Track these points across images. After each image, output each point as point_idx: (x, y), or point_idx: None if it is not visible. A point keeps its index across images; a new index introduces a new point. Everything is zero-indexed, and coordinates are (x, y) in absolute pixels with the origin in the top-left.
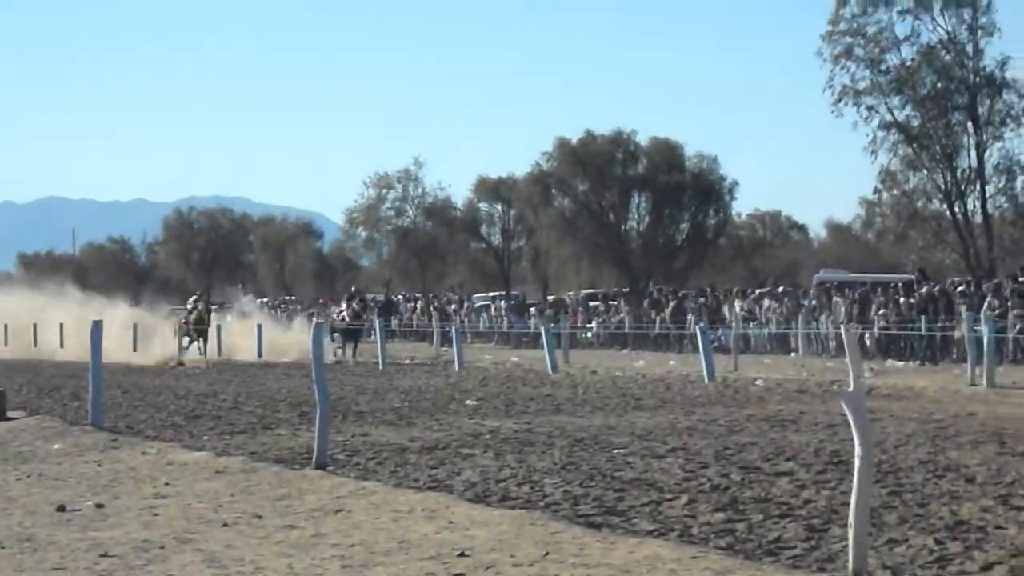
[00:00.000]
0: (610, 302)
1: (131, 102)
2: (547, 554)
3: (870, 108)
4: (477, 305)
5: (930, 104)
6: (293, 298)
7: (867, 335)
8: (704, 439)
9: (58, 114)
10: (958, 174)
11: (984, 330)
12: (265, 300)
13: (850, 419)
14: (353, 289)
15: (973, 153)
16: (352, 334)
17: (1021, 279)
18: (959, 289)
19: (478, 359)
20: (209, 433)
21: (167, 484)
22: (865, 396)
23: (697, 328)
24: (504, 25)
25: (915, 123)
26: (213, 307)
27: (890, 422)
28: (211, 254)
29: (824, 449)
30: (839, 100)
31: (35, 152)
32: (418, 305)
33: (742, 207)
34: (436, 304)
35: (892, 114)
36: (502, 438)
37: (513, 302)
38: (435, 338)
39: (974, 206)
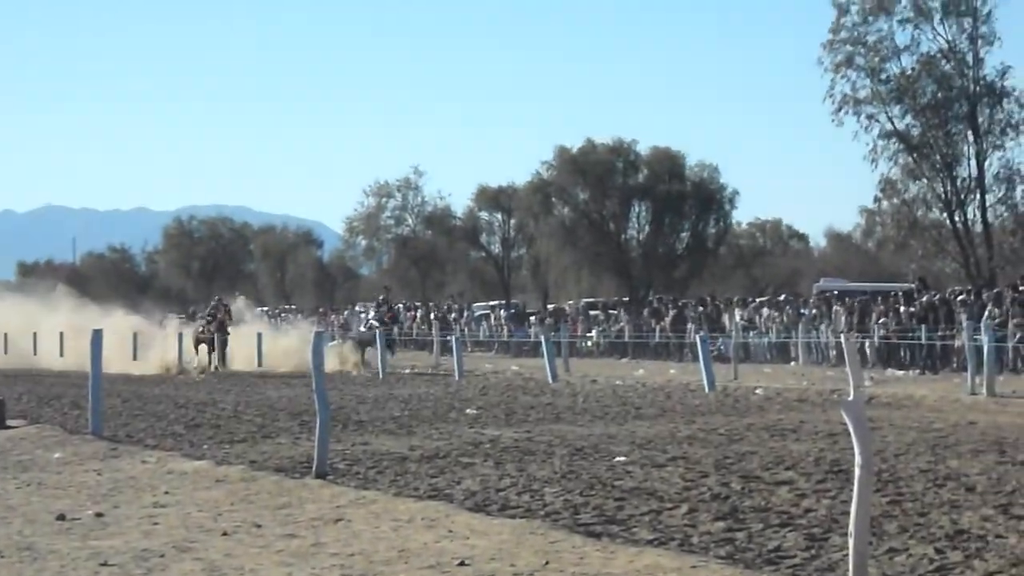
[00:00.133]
0: (610, 311)
1: (132, 111)
2: (547, 563)
3: (870, 117)
4: (477, 314)
5: (930, 113)
6: (293, 307)
7: (867, 344)
8: (704, 448)
9: (58, 122)
10: (958, 183)
11: (984, 339)
12: (265, 309)
13: (850, 428)
14: (381, 298)
15: (973, 162)
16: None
17: (1021, 288)
18: (960, 298)
19: (478, 368)
20: (209, 442)
21: (167, 493)
22: (865, 405)
23: (697, 337)
24: (504, 34)
25: (915, 132)
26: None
27: (890, 431)
28: (211, 263)
29: (824, 458)
30: (839, 109)
31: (35, 161)
32: (418, 314)
33: (742, 216)
34: (437, 313)
35: (892, 123)
36: (502, 447)
37: (513, 311)
38: (435, 347)
39: (974, 215)
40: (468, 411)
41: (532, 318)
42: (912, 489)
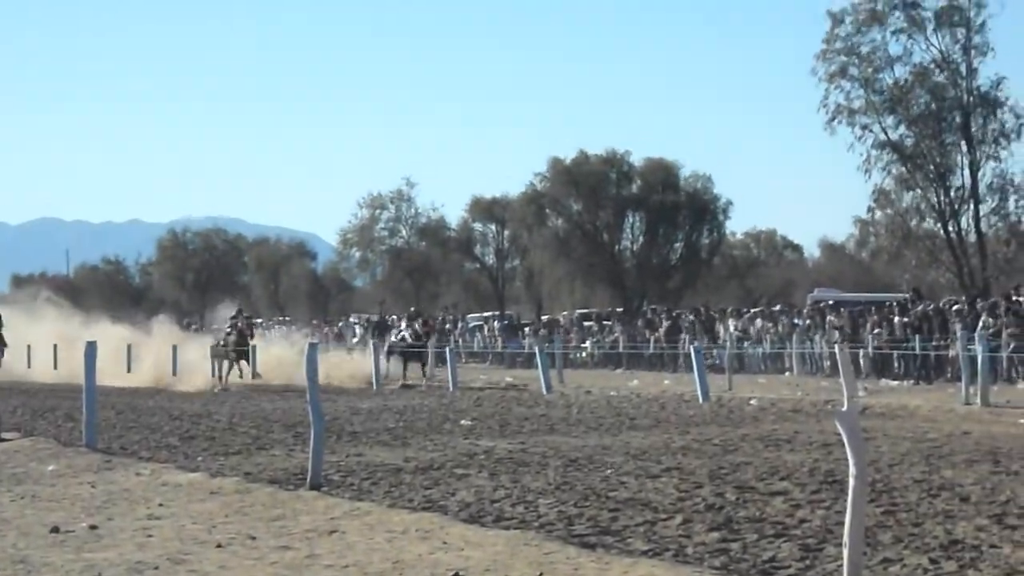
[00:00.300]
0: (604, 322)
1: (125, 123)
2: (541, 574)
3: (864, 127)
4: (471, 325)
5: (924, 123)
6: (287, 318)
7: (861, 354)
8: (699, 459)
9: (51, 134)
10: (952, 193)
11: (978, 349)
12: (259, 320)
13: (844, 438)
14: (413, 309)
15: (967, 172)
16: (415, 356)
17: (1015, 298)
18: (955, 308)
19: (472, 379)
20: (203, 454)
21: (161, 505)
22: (859, 415)
23: (691, 348)
24: (497, 45)
25: (909, 142)
26: (256, 324)
27: (884, 441)
28: (205, 275)
29: (819, 468)
30: (833, 119)
31: (28, 173)
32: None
33: (736, 226)
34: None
35: (886, 133)
36: (496, 458)
37: (506, 322)
38: (429, 358)
39: (968, 225)
40: (462, 422)
41: (526, 329)
42: (906, 499)
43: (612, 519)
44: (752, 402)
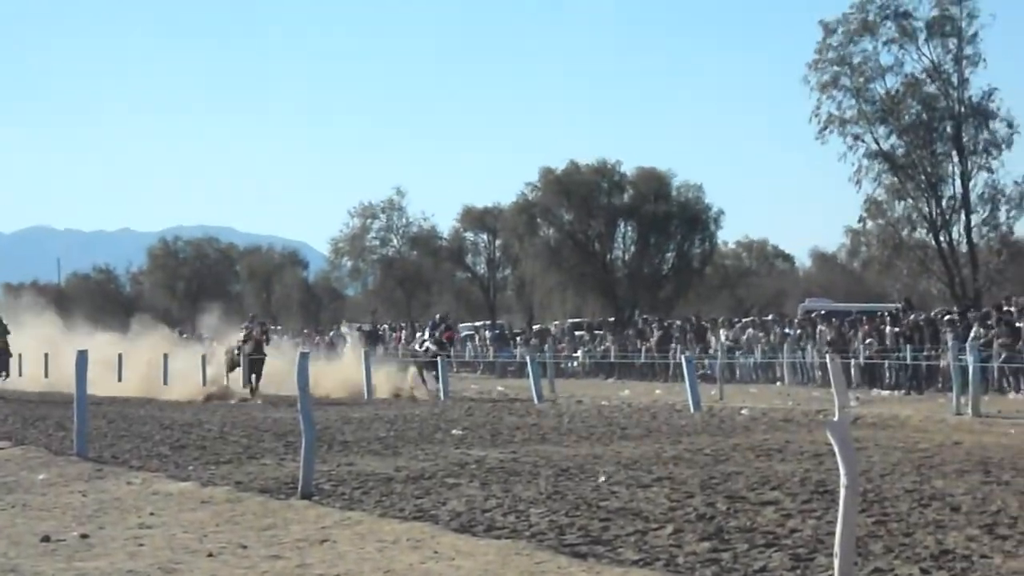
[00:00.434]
0: (595, 331)
1: (117, 132)
2: None
3: (856, 137)
4: (462, 334)
5: (915, 133)
6: (279, 327)
7: (852, 364)
8: (690, 468)
9: (44, 144)
10: (943, 203)
11: (969, 359)
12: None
13: (835, 448)
14: (438, 317)
15: (958, 182)
16: (433, 364)
17: (1007, 308)
18: (946, 318)
19: (463, 388)
20: (194, 463)
21: (152, 514)
22: (850, 425)
23: (683, 357)
24: (488, 56)
25: (900, 152)
26: (271, 331)
27: (875, 451)
28: (196, 284)
29: (810, 478)
30: (825, 128)
31: (20, 181)
32: (403, 335)
33: (728, 236)
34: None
35: (877, 143)
36: (488, 468)
37: (498, 331)
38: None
39: (959, 235)
40: (454, 431)
41: (517, 338)
42: (897, 509)
43: (603, 528)
44: (743, 412)
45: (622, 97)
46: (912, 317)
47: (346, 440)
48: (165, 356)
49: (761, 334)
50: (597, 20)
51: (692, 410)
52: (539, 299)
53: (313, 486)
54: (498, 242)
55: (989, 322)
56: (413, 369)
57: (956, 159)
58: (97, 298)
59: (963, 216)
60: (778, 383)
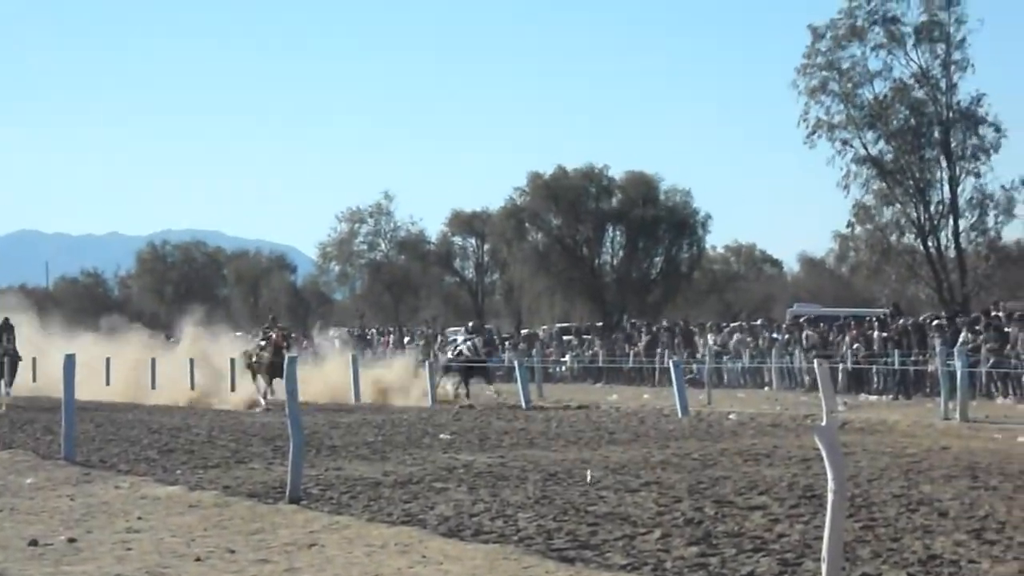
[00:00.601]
0: (584, 336)
1: (105, 135)
2: None
3: (844, 142)
4: (450, 339)
5: (903, 139)
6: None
7: (839, 369)
8: (678, 473)
9: (30, 146)
10: (931, 208)
11: (957, 364)
12: (239, 333)
13: (823, 453)
14: (471, 324)
15: (946, 187)
16: (476, 371)
17: (995, 313)
18: (934, 323)
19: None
20: (182, 467)
21: (140, 518)
22: (838, 430)
23: (671, 362)
24: (475, 60)
25: (888, 157)
26: (292, 336)
27: (863, 456)
28: (185, 288)
29: (797, 483)
30: (813, 133)
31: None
32: (391, 339)
33: (716, 240)
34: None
35: (866, 148)
36: (476, 472)
37: (485, 336)
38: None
39: (948, 240)
40: (442, 436)
41: (506, 343)
42: (885, 514)
43: (591, 533)
44: (731, 416)
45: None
46: (900, 322)
47: (334, 444)
48: (153, 360)
49: (749, 339)
50: (587, 24)
51: (680, 415)
52: (527, 304)
53: (301, 490)
54: (486, 246)
55: (977, 327)
56: (454, 379)
57: (944, 164)
58: (85, 302)
59: (951, 221)
60: (766, 388)
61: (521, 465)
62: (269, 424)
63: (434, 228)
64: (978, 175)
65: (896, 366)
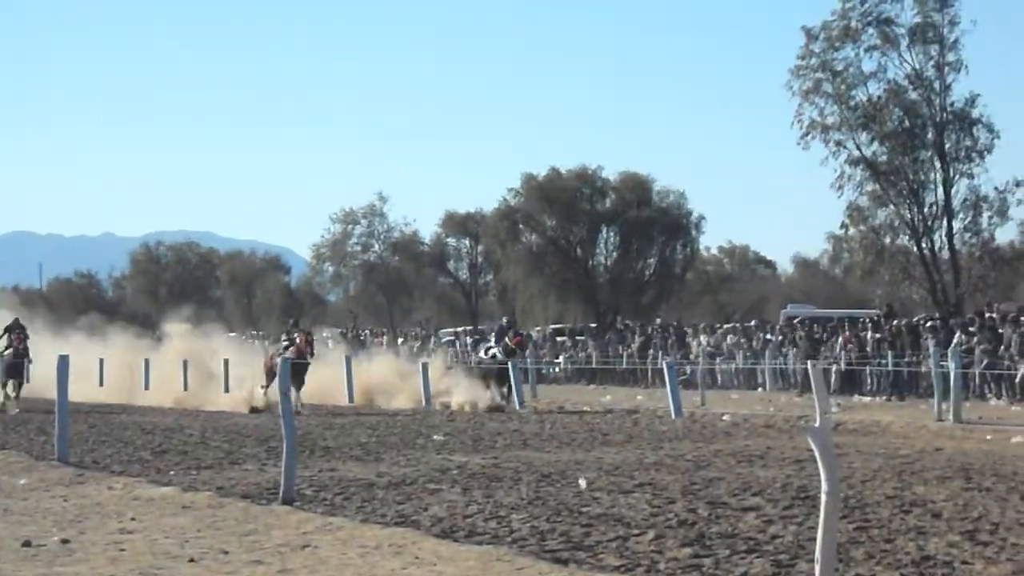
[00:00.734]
0: (577, 337)
1: (98, 137)
2: None
3: (838, 143)
4: (444, 340)
5: (897, 140)
6: (261, 333)
7: (833, 370)
8: (671, 474)
9: (24, 148)
10: (925, 210)
11: (951, 365)
12: (232, 334)
13: (817, 454)
14: (505, 321)
15: (940, 189)
16: (505, 374)
17: (988, 314)
18: (928, 324)
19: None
20: (176, 468)
21: (133, 519)
22: (832, 431)
23: (664, 363)
24: (469, 61)
25: (882, 159)
26: (314, 339)
27: (857, 457)
28: (178, 289)
29: (791, 484)
30: (807, 134)
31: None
32: (385, 340)
33: (710, 241)
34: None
35: (860, 150)
36: (469, 473)
37: (478, 336)
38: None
39: (941, 242)
40: (435, 437)
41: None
42: (878, 515)
43: (585, 534)
44: (725, 418)
45: (604, 102)
46: (894, 323)
47: (328, 446)
48: (146, 361)
49: (743, 340)
50: (581, 25)
51: (673, 416)
52: (521, 305)
53: (295, 491)
54: (480, 248)
55: (971, 328)
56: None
57: (938, 165)
58: (79, 303)
59: (945, 222)
60: (760, 389)
61: (515, 466)
62: (262, 425)
63: (428, 229)
64: (972, 176)
65: (890, 367)
